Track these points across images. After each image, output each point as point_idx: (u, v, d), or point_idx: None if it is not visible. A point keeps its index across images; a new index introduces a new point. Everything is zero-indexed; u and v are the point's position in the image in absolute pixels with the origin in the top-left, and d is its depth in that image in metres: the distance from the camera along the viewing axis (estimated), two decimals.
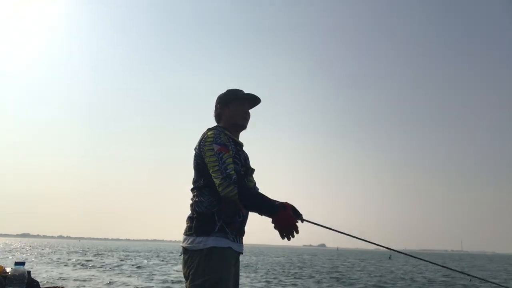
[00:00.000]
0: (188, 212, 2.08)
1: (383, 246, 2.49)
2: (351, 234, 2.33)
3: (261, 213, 1.93)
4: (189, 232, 1.98)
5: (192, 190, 2.09)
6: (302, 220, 2.06)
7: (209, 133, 2.06)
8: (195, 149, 2.09)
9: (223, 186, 1.88)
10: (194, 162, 2.08)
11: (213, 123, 2.24)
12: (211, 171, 1.95)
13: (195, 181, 2.07)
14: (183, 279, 2.00)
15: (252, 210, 2.00)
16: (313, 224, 2.15)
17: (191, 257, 1.93)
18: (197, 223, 1.97)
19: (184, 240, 1.99)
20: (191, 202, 2.07)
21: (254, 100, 2.22)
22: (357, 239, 2.36)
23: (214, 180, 1.93)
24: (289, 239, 1.90)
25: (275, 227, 1.92)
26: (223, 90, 2.25)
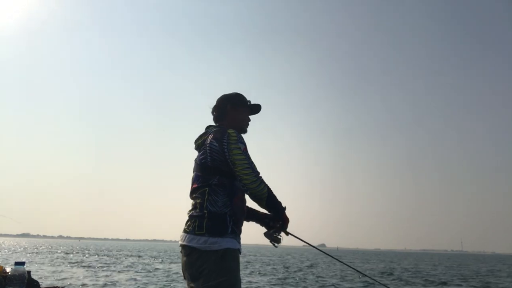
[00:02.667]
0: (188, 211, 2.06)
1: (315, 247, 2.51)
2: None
3: (277, 212, 2.07)
4: (199, 231, 1.93)
5: (199, 188, 2.03)
6: (287, 234, 2.17)
7: (230, 131, 2.06)
8: (210, 144, 2.04)
9: (257, 183, 1.96)
10: (207, 158, 2.03)
11: (210, 122, 2.25)
12: (239, 168, 1.96)
13: (206, 179, 2.02)
14: (183, 279, 1.99)
15: (272, 209, 2.08)
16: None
17: (202, 257, 1.89)
18: (210, 223, 1.93)
19: (192, 239, 1.93)
20: (198, 200, 2.00)
21: (257, 110, 2.31)
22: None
23: (244, 177, 1.96)
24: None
25: (282, 225, 2.11)
26: (222, 91, 2.28)
